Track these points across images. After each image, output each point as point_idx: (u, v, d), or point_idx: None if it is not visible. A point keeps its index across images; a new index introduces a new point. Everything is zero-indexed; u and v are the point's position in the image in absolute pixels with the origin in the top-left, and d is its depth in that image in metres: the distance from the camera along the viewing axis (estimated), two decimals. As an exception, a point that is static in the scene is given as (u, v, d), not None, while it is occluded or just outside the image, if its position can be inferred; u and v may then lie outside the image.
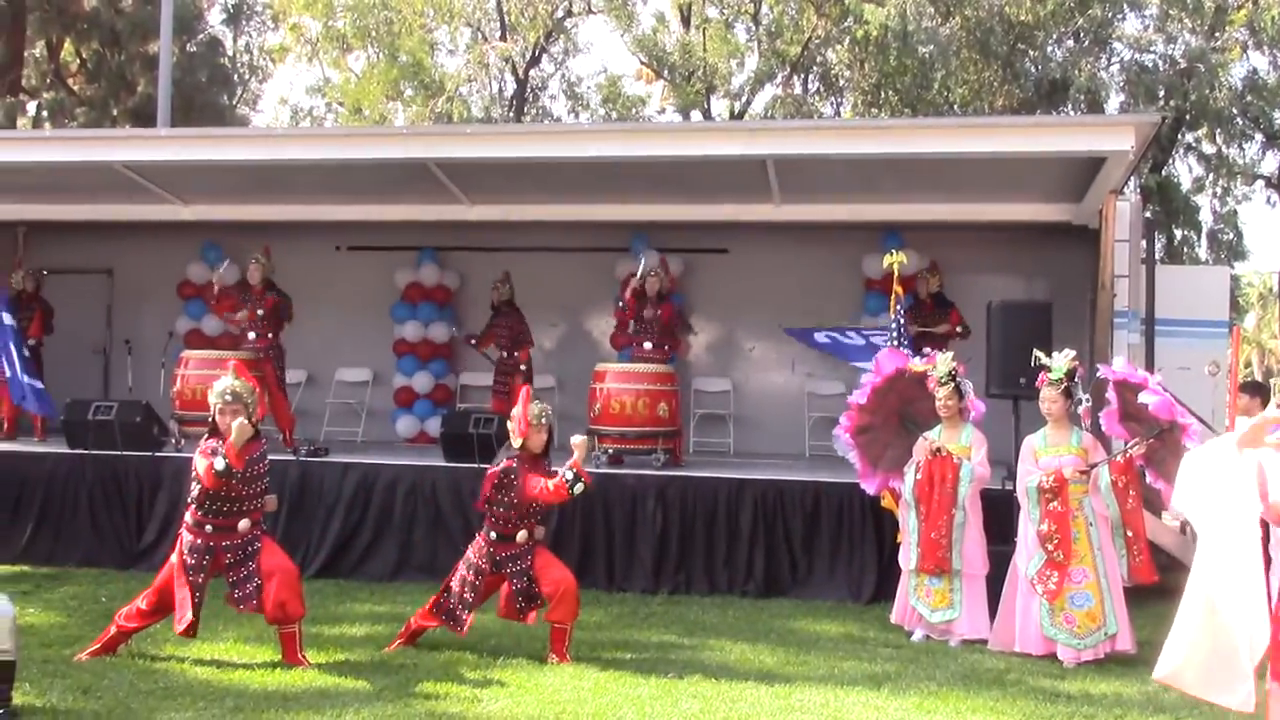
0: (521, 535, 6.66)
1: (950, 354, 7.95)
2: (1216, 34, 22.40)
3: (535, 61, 28.90)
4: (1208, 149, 24.47)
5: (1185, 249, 24.11)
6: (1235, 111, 22.79)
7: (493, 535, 6.70)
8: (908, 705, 5.94)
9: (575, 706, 5.75)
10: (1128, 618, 6.94)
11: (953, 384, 7.72)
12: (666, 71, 27.63)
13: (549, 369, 12.49)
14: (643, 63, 28.51)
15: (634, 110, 29.31)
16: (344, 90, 30.81)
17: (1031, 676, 6.61)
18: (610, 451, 9.96)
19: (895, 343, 9.12)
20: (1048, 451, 7.17)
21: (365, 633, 7.41)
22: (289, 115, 32.22)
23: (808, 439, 12.10)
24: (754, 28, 26.86)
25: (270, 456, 6.72)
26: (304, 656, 6.49)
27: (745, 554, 9.09)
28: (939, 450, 7.48)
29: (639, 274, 10.69)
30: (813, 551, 9.04)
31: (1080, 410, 7.56)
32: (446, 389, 13.13)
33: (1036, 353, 7.30)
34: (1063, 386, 7.12)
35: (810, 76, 26.34)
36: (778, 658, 7.00)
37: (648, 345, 10.74)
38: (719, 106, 27.67)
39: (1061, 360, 7.15)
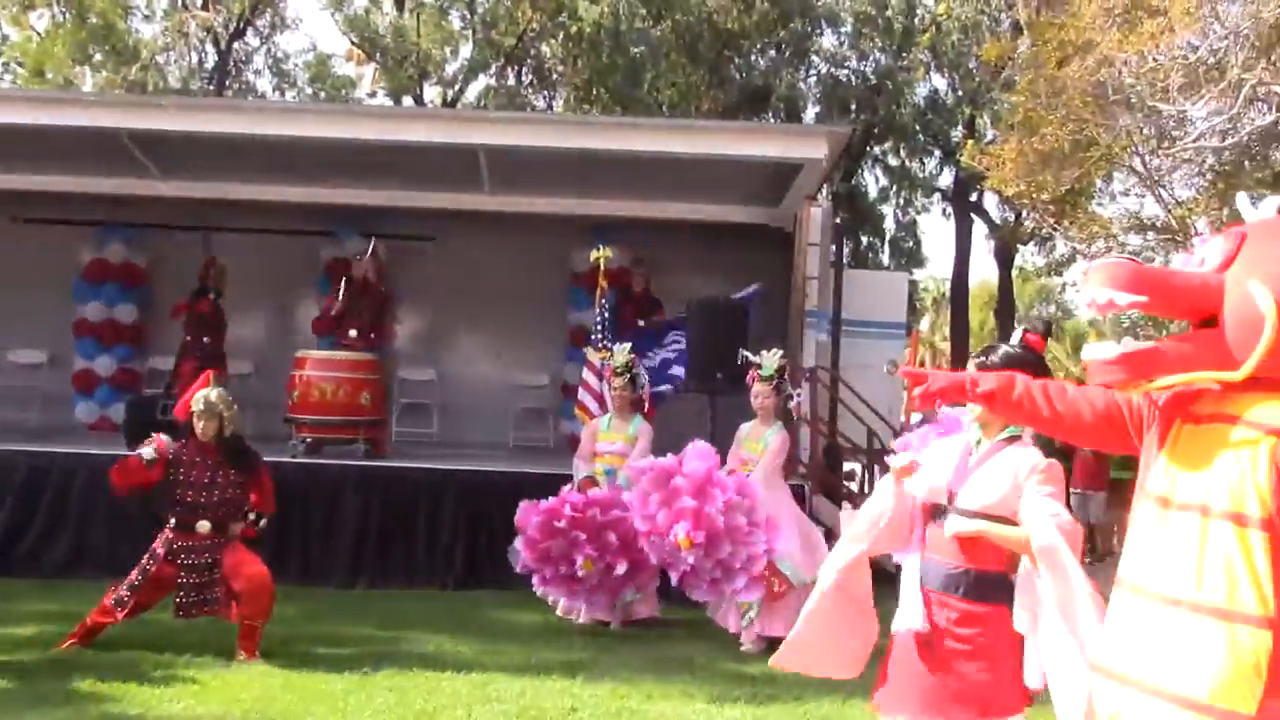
0: (203, 526, 6.38)
1: (629, 345, 8.18)
2: (904, 54, 23.94)
3: (239, 34, 27.64)
4: (893, 162, 26.10)
5: (870, 254, 25.63)
6: (918, 128, 24.44)
7: (173, 522, 6.40)
8: (602, 692, 6.06)
9: (263, 705, 5.56)
10: None
11: (629, 375, 7.93)
12: (378, 54, 27.04)
13: (247, 354, 12.01)
14: (353, 43, 27.78)
15: (343, 92, 28.52)
16: (24, 50, 28.53)
17: (720, 661, 6.88)
18: (309, 440, 9.68)
19: (601, 337, 9.28)
20: (747, 446, 7.48)
21: (34, 632, 6.89)
22: (-40, 73, 29.59)
23: (512, 430, 12.16)
24: (469, 16, 26.67)
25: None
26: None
27: (446, 545, 9.05)
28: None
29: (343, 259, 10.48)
30: (514, 542, 9.06)
31: (792, 406, 7.93)
32: (133, 373, 12.41)
33: (744, 352, 7.60)
34: (774, 384, 7.44)
35: (524, 69, 26.40)
36: (475, 648, 7.00)
37: (353, 333, 10.50)
38: (431, 93, 27.35)
39: (771, 359, 7.47)
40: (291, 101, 25.19)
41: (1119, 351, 2.86)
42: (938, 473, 3.68)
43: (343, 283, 10.88)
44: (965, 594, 3.56)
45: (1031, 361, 3.62)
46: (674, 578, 7.00)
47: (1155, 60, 13.23)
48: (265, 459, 6.87)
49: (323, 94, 27.86)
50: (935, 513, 3.68)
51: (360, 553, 9.01)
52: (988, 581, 3.56)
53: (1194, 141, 14.22)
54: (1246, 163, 15.12)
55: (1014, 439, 3.64)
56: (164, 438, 6.40)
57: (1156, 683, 2.80)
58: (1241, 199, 3.28)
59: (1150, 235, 17.25)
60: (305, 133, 10.05)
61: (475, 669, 6.40)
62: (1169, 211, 15.95)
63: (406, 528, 9.09)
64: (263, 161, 10.88)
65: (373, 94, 28.29)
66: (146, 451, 6.30)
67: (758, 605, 7.09)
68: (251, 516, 6.56)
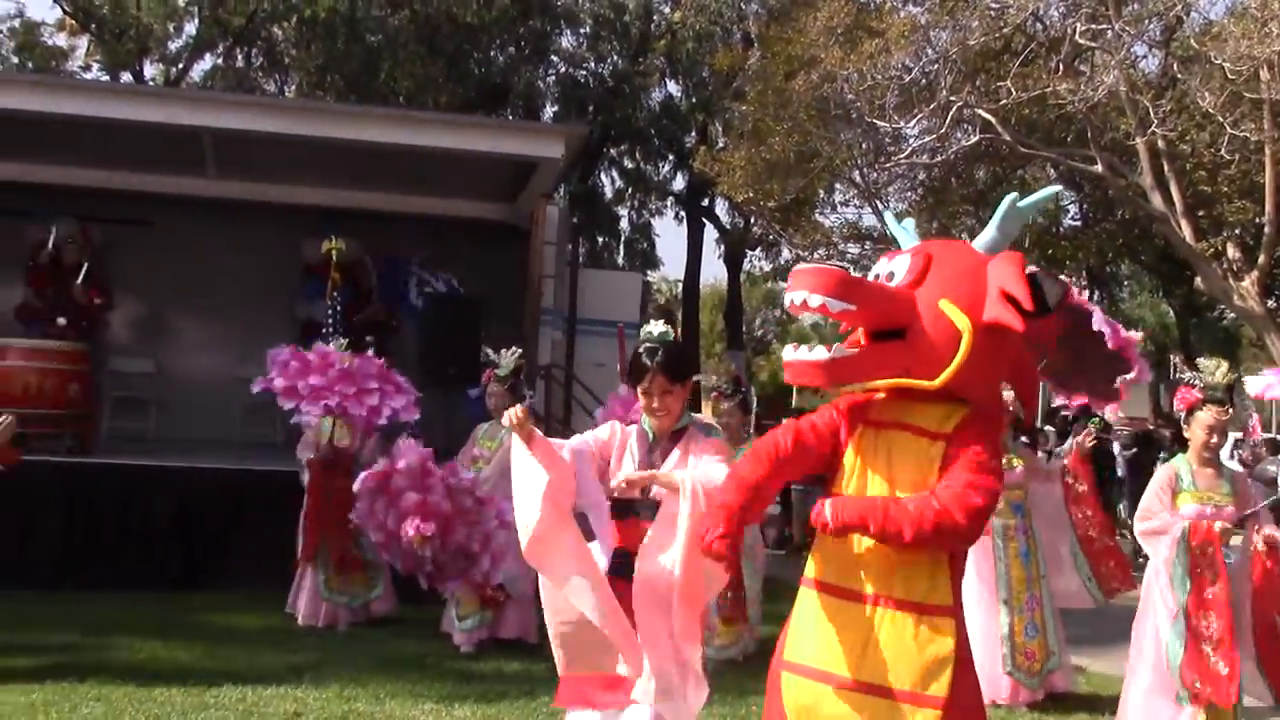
0: None
1: (345, 341, 8.06)
2: (640, 59, 24.38)
3: (-66, -6, 25.49)
4: (628, 164, 26.52)
5: (605, 255, 25.99)
6: (653, 132, 24.95)
7: None
8: (329, 694, 5.90)
9: (-47, 720, 5.15)
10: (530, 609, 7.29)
11: None
12: (94, 26, 25.46)
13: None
14: (66, 12, 26.05)
15: (55, 63, 26.70)
16: None
17: (451, 660, 6.83)
18: (9, 435, 9.02)
19: (332, 330, 9.05)
20: (482, 443, 7.45)
21: None
22: None
23: (238, 425, 11.69)
24: (195, -9, 25.45)
25: None
26: None
27: (161, 546, 8.61)
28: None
29: (50, 242, 9.81)
30: (235, 542, 8.72)
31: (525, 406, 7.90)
32: None
33: (486, 350, 7.52)
34: (509, 384, 7.39)
35: (254, 51, 25.41)
36: (193, 654, 6.69)
37: (62, 321, 9.85)
38: (152, 71, 25.96)
39: (509, 359, 7.41)
40: (-5, 71, 23.41)
41: (827, 356, 3.04)
42: (624, 468, 3.79)
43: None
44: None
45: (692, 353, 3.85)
46: (423, 581, 6.92)
47: (874, 79, 13.97)
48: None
49: (30, 64, 25.98)
50: (625, 508, 3.78)
51: (65, 554, 8.46)
52: None
53: (907, 158, 15.12)
54: (953, 179, 16.18)
55: (684, 430, 3.82)
56: None
57: (855, 675, 3.00)
58: (888, 216, 3.59)
59: (867, 245, 18.23)
60: (10, 105, 9.37)
61: (192, 676, 6.11)
62: (884, 223, 16.87)
63: (117, 527, 8.59)
64: (-40, 134, 10.10)
65: (87, 68, 26.61)
66: None
67: (479, 612, 7.09)
68: None
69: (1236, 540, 5.26)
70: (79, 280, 10.19)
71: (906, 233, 3.42)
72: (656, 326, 3.94)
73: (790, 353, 3.10)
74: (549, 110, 24.49)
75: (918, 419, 3.10)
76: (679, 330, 4.60)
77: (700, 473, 3.60)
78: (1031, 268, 3.03)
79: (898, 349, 3.07)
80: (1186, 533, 4.95)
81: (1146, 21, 13.75)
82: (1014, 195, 3.18)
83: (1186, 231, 13.46)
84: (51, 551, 8.45)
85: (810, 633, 3.13)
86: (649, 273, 29.17)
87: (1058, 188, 3.53)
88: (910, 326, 3.04)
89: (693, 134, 25.20)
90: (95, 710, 5.44)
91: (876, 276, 3.20)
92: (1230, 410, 5.04)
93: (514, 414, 3.68)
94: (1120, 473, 14.06)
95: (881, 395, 3.19)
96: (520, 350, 7.57)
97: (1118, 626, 5.48)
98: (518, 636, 7.21)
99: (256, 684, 6.01)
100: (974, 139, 14.63)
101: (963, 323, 2.97)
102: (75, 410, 9.37)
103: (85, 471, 8.76)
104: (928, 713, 2.92)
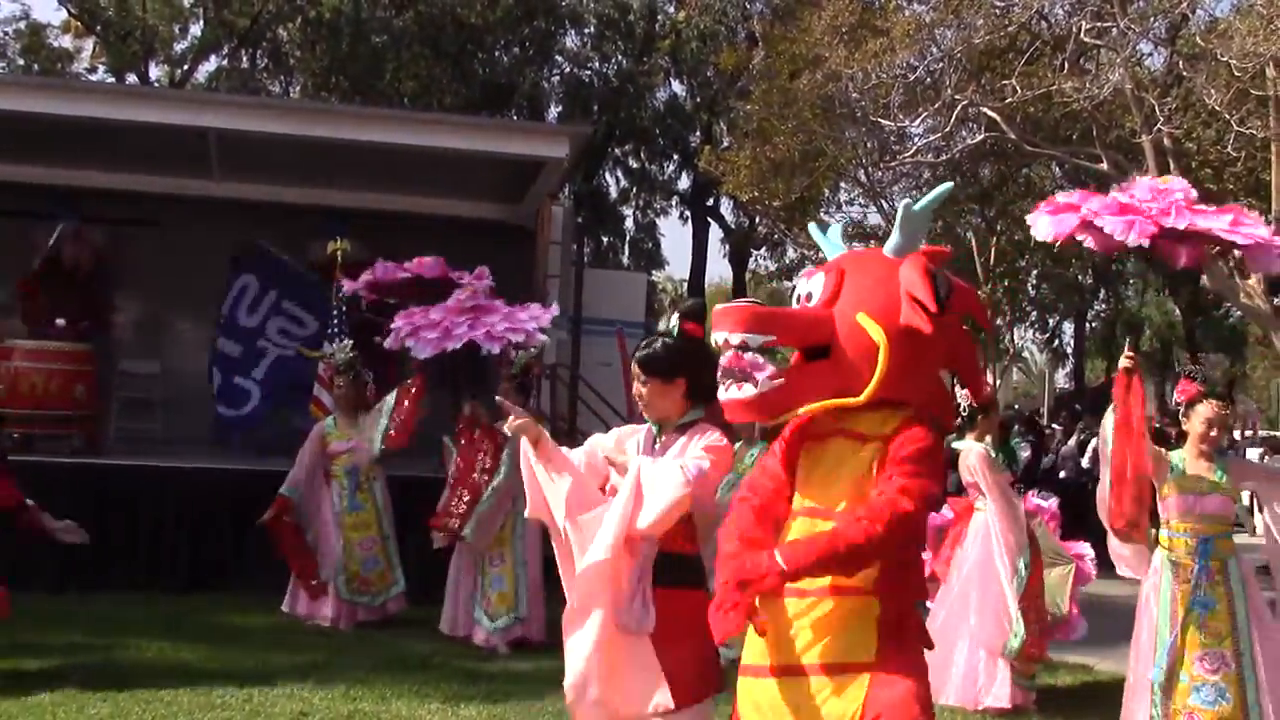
0: None
1: (349, 343, 8.04)
2: (645, 59, 24.39)
3: (-60, -3, 25.53)
4: (633, 164, 26.53)
5: (610, 254, 26.00)
6: (658, 132, 24.96)
7: None
8: (334, 694, 5.91)
9: (-41, 721, 5.16)
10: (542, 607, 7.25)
11: (353, 374, 7.78)
12: (100, 28, 25.51)
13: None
14: (72, 14, 26.10)
15: (60, 65, 26.76)
16: None
17: (457, 659, 6.84)
18: (17, 436, 9.05)
19: (337, 332, 9.07)
20: None
21: None
22: None
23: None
24: (201, -7, 25.50)
25: None
26: None
27: (168, 546, 8.63)
28: None
29: (51, 242, 9.85)
30: (241, 543, 8.73)
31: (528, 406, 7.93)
32: None
33: (517, 350, 7.54)
34: (518, 382, 7.40)
35: (259, 52, 25.45)
36: (200, 654, 6.70)
37: (61, 322, 9.86)
38: (157, 72, 26.03)
39: (521, 357, 7.42)
40: (1, 73, 23.47)
41: (755, 392, 3.06)
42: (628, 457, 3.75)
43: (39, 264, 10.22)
44: (655, 580, 3.56)
45: (693, 351, 3.69)
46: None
47: (878, 78, 13.95)
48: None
49: (36, 67, 26.04)
50: None
51: (72, 555, 8.44)
52: (677, 564, 3.60)
53: (912, 156, 15.09)
54: (958, 178, 16.16)
55: (691, 425, 3.71)
56: None
57: (787, 661, 3.05)
58: (812, 228, 3.60)
59: (873, 244, 18.19)
60: (16, 107, 9.39)
61: (199, 677, 6.13)
62: (890, 221, 16.87)
63: (124, 528, 8.60)
64: (-35, 136, 10.11)
65: (93, 70, 26.67)
66: None
67: (509, 614, 7.08)
68: None
69: (1241, 539, 5.23)
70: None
71: (830, 243, 3.41)
72: (669, 321, 3.88)
73: (723, 393, 3.13)
74: (553, 110, 24.52)
75: (856, 425, 3.12)
76: (703, 327, 4.48)
77: (653, 464, 3.54)
78: (932, 266, 3.05)
79: (823, 370, 3.09)
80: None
81: (1152, 19, 13.70)
82: (908, 200, 3.22)
83: (1192, 229, 13.43)
84: (58, 552, 8.41)
85: (752, 634, 3.15)
86: (654, 272, 29.19)
87: (950, 185, 3.55)
88: (833, 344, 3.08)
89: (697, 133, 25.20)
90: (102, 710, 5.45)
91: (797, 299, 3.22)
92: (1230, 405, 5.00)
93: (515, 423, 3.62)
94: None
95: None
96: (535, 350, 7.61)
97: (1121, 625, 5.47)
98: (522, 637, 7.22)
99: (263, 684, 6.02)
100: (979, 137, 14.62)
101: (878, 335, 3.00)
102: (82, 411, 9.40)
103: (92, 472, 8.78)
104: (856, 678, 2.95)
